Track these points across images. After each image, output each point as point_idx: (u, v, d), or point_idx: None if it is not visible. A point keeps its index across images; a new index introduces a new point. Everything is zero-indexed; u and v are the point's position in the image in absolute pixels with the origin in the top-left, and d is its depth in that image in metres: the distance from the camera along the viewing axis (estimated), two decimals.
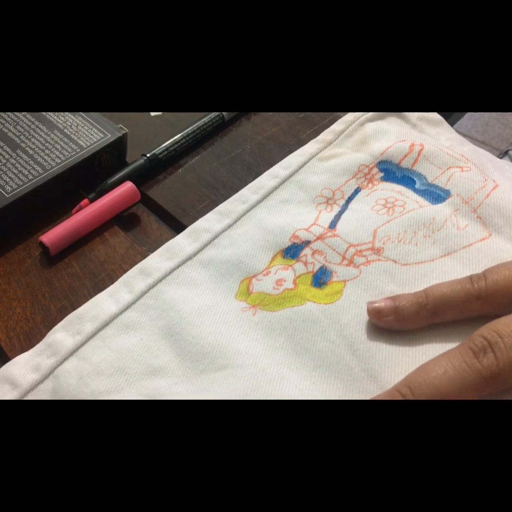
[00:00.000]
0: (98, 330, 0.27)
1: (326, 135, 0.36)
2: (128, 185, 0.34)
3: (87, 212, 0.33)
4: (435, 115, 0.37)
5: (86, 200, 0.34)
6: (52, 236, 0.32)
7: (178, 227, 0.34)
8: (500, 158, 0.76)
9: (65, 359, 0.26)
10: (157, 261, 0.30)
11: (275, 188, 0.33)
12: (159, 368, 0.26)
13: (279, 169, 0.34)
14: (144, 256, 0.32)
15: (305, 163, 0.35)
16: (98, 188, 0.35)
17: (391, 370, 0.24)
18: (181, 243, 0.31)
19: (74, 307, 0.29)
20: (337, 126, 0.37)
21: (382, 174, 0.33)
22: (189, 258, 0.30)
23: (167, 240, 0.32)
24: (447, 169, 0.33)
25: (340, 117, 0.39)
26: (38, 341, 0.28)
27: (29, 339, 0.28)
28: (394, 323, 0.25)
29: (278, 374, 0.25)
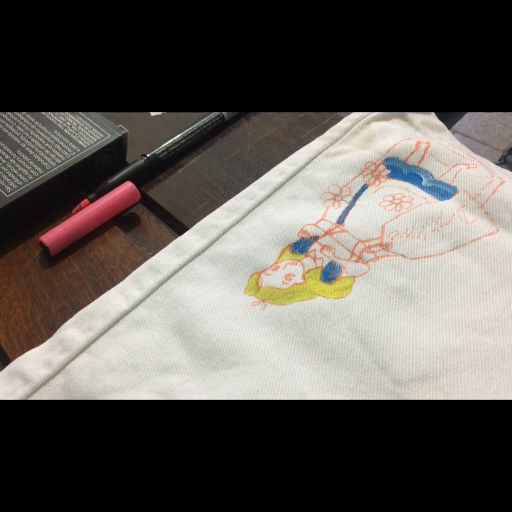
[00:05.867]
0: (109, 327, 0.27)
1: (332, 132, 0.36)
2: (128, 185, 0.34)
3: (87, 212, 0.33)
4: (437, 121, 0.37)
5: (86, 200, 0.34)
6: (52, 236, 0.32)
7: (178, 227, 0.34)
8: (506, 155, 0.75)
9: (77, 355, 0.26)
10: (166, 258, 0.30)
11: (282, 184, 0.33)
12: (171, 365, 0.26)
13: (286, 165, 0.34)
14: (144, 256, 0.32)
15: (311, 159, 0.35)
16: (98, 188, 0.35)
17: (402, 362, 0.25)
18: (190, 240, 0.31)
19: (74, 307, 0.29)
20: (343, 123, 0.37)
21: (389, 171, 0.33)
22: (198, 254, 0.30)
23: (167, 240, 0.32)
24: (454, 166, 0.33)
25: (340, 117, 0.39)
26: (38, 341, 0.28)
27: (29, 339, 0.28)
28: None
29: (288, 369, 0.25)
